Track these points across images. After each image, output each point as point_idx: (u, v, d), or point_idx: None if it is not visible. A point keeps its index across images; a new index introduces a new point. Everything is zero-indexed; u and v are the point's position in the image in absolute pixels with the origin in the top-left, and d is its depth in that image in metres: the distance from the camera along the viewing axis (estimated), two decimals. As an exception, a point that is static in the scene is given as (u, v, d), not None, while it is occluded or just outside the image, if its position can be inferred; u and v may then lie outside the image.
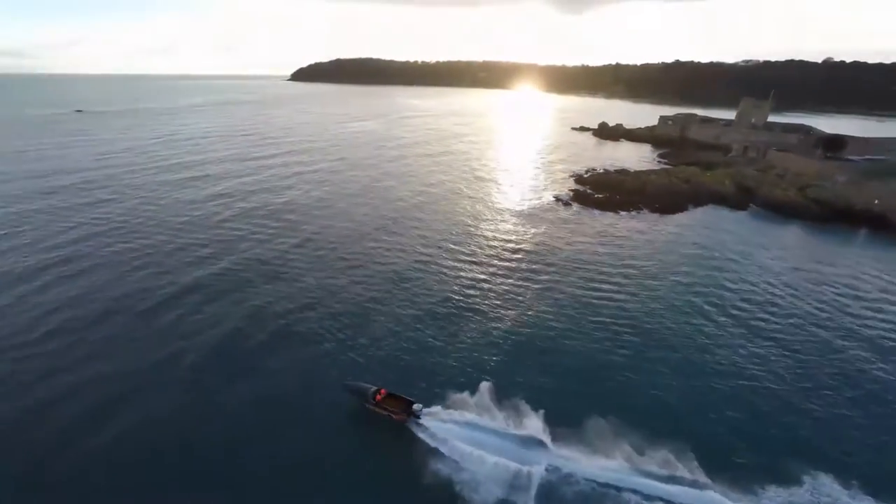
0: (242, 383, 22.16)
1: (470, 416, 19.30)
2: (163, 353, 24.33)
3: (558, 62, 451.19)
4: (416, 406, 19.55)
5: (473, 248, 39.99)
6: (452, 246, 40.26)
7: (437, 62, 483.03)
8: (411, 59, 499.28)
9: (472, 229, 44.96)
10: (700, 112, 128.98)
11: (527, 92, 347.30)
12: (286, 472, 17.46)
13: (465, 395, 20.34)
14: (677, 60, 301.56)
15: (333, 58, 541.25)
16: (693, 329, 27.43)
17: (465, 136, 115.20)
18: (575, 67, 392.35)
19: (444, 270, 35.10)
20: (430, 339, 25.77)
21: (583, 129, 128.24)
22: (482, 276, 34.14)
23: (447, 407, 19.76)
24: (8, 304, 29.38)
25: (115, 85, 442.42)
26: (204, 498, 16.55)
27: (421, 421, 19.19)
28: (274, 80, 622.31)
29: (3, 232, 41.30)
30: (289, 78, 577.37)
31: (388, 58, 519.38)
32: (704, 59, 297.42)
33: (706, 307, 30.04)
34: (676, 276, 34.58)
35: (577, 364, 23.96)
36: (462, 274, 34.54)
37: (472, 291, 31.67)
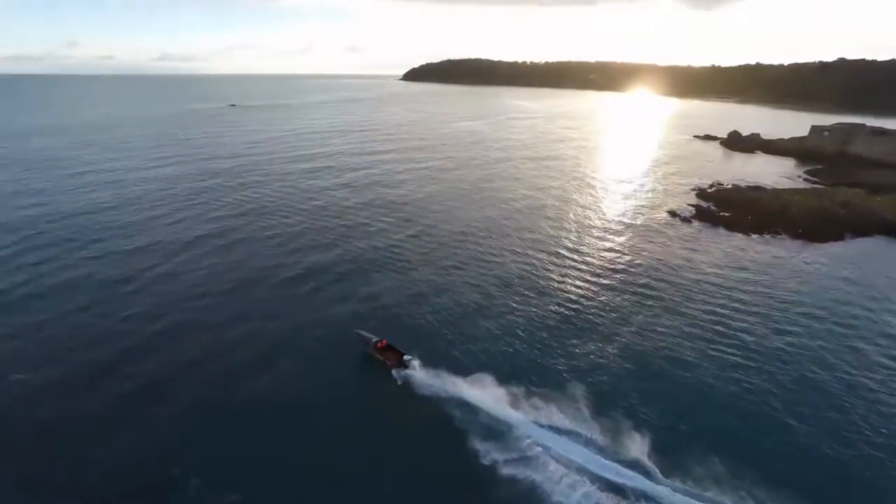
0: (352, 358, 24.69)
1: (564, 419, 19.33)
2: (296, 322, 27.99)
3: (682, 62, 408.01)
4: (406, 357, 22.85)
5: (581, 257, 38.77)
6: (559, 253, 39.53)
7: (547, 63, 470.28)
8: (519, 60, 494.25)
9: (580, 239, 43.55)
10: (869, 122, 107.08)
11: (643, 95, 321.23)
12: (379, 441, 19.28)
13: (563, 399, 20.59)
14: (841, 58, 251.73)
15: (444, 58, 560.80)
16: (842, 382, 23.36)
17: (574, 140, 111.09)
18: (702, 68, 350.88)
19: (550, 278, 34.70)
20: (528, 347, 25.80)
21: (708, 137, 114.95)
22: (589, 288, 33.03)
23: (544, 415, 19.70)
24: (183, 260, 36.54)
25: (261, 83, 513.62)
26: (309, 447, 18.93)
27: (408, 370, 22.19)
28: (388, 79, 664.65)
29: (184, 203, 51.18)
30: (400, 77, 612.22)
31: (496, 58, 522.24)
32: (883, 57, 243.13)
33: (863, 358, 25.30)
34: (825, 316, 29.61)
35: (690, 397, 22.09)
36: (568, 283, 33.83)
37: (577, 303, 30.87)
